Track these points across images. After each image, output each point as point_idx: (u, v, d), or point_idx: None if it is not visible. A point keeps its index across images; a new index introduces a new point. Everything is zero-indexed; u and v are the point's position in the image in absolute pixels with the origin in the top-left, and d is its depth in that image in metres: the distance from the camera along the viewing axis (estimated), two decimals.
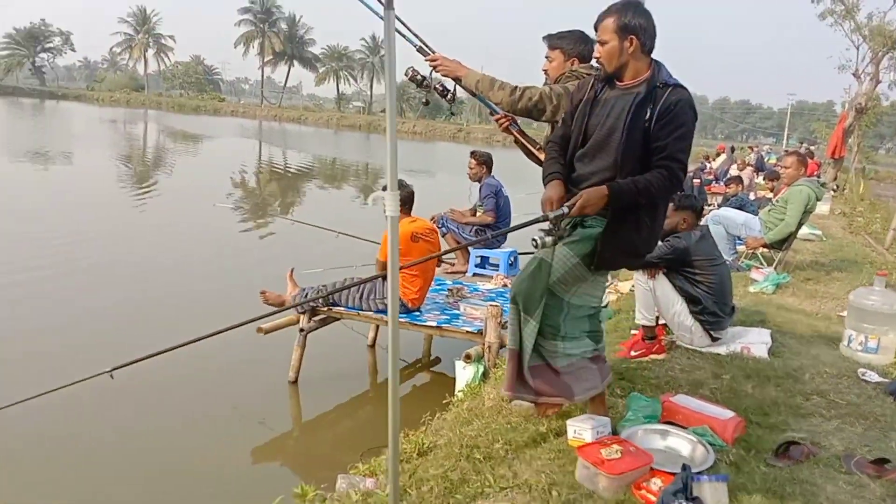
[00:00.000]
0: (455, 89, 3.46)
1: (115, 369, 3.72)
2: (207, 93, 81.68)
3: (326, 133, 52.52)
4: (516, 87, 3.31)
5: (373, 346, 6.48)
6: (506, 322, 4.12)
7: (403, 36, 3.15)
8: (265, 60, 78.73)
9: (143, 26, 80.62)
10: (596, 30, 2.83)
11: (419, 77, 3.36)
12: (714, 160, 19.21)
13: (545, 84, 3.50)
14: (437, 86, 3.45)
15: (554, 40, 3.49)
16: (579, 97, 2.97)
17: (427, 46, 3.35)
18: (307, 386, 5.47)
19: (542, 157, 3.41)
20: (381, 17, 3.14)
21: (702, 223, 4.64)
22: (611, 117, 2.80)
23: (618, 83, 2.86)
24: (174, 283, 8.34)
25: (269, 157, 29.97)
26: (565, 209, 2.67)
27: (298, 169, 25.51)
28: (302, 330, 5.39)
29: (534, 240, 2.68)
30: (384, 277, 5.29)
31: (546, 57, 3.53)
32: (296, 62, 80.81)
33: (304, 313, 5.38)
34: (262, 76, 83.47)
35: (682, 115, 2.73)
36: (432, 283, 5.61)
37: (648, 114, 2.72)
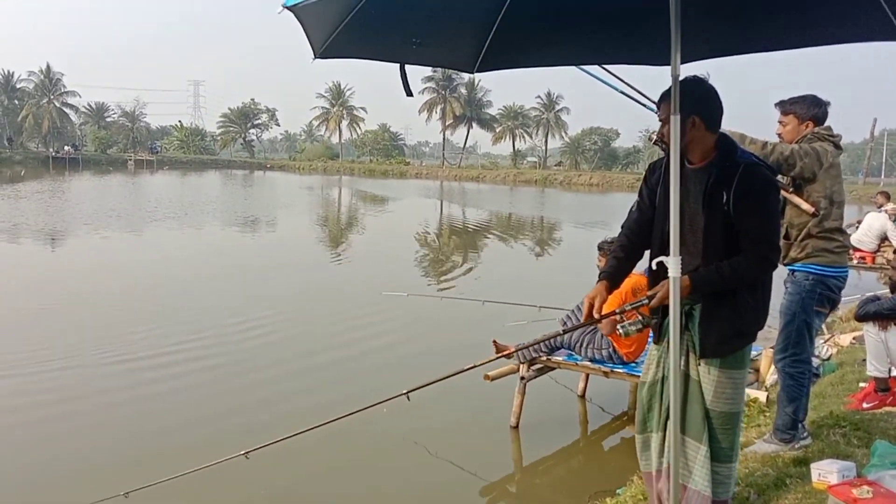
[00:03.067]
0: None
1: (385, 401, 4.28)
2: (394, 157, 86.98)
3: (503, 189, 53.79)
4: (766, 142, 3.62)
5: (583, 396, 6.75)
6: None
7: (644, 105, 3.40)
8: (446, 124, 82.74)
9: (339, 99, 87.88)
10: (657, 109, 2.80)
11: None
12: None
13: None
14: None
15: (787, 106, 3.81)
16: (654, 179, 2.91)
17: None
18: (526, 431, 5.86)
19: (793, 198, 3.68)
20: (621, 92, 3.58)
21: None
22: (689, 201, 2.70)
23: (688, 164, 2.75)
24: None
25: (450, 214, 31.41)
26: (645, 300, 2.69)
27: (478, 224, 26.45)
28: (522, 378, 5.82)
29: (618, 329, 2.85)
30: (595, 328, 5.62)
31: (779, 122, 3.83)
32: (474, 124, 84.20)
33: (524, 363, 5.82)
34: (444, 139, 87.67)
35: (763, 194, 2.66)
36: (649, 334, 5.82)
37: (725, 196, 2.63)
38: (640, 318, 2.85)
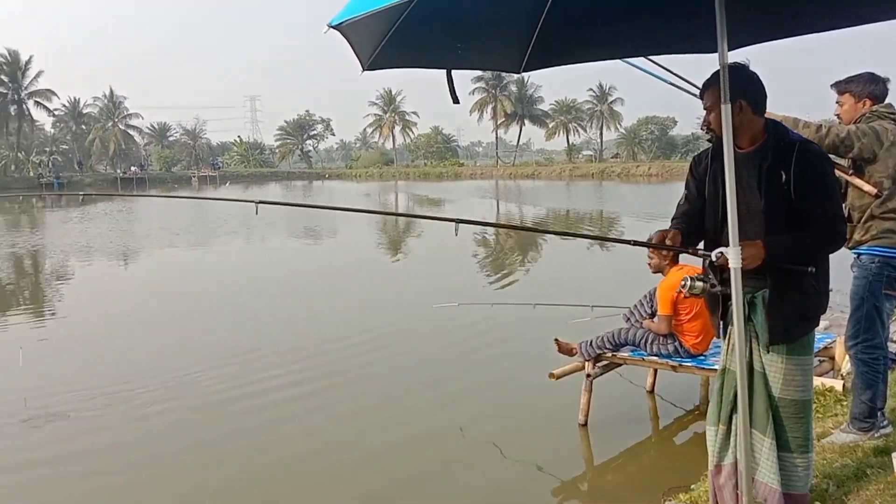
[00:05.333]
0: None
1: None
2: (448, 159, 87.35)
3: (559, 185, 53.40)
4: (821, 125, 3.52)
5: (651, 391, 6.65)
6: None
7: (690, 93, 3.35)
8: (498, 123, 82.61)
9: (391, 106, 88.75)
10: (701, 97, 2.80)
11: None
12: None
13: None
14: None
15: (842, 85, 3.71)
16: (701, 170, 2.92)
17: None
18: (595, 429, 5.80)
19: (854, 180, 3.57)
20: (668, 82, 3.53)
21: None
22: (743, 186, 2.67)
23: (738, 149, 2.69)
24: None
25: (506, 212, 31.33)
26: (714, 255, 2.63)
27: (534, 223, 26.29)
28: (588, 375, 5.77)
29: (682, 284, 2.74)
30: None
31: (837, 102, 3.72)
32: (526, 121, 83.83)
33: (589, 360, 5.78)
34: (496, 138, 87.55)
35: (822, 168, 2.70)
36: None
37: (784, 176, 2.65)
38: (706, 277, 2.70)
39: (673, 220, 3.01)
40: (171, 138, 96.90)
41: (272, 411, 6.55)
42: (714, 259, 2.65)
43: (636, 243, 2.89)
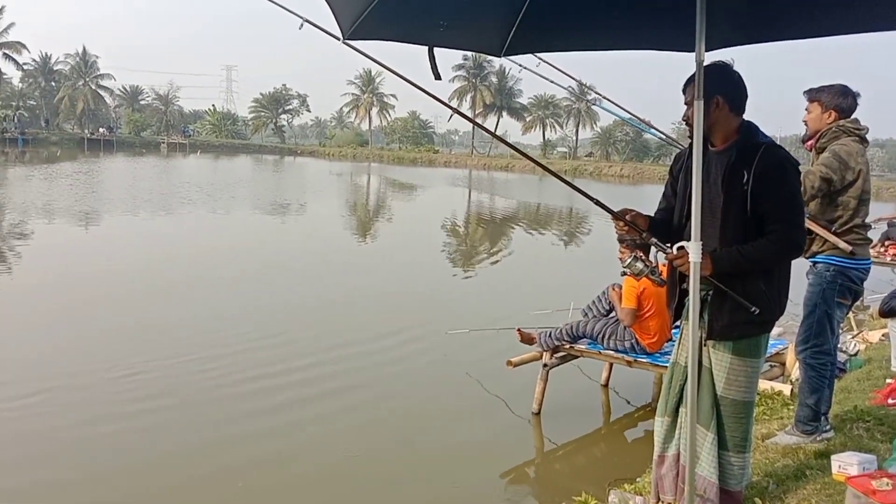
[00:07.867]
0: None
1: None
2: (423, 145, 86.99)
3: (532, 179, 53.47)
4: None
5: (606, 385, 6.75)
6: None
7: (637, 126, 3.45)
8: (476, 112, 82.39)
9: (369, 86, 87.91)
10: (683, 92, 2.77)
11: None
12: None
13: (805, 134, 3.76)
14: None
15: (813, 93, 3.75)
16: (678, 168, 2.94)
17: None
18: (548, 418, 5.89)
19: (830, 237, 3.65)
20: (629, 121, 3.57)
21: None
22: (710, 184, 2.68)
23: (711, 147, 2.75)
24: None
25: (478, 201, 31.37)
26: (671, 249, 2.65)
27: (504, 215, 26.35)
28: (545, 365, 5.85)
29: (624, 263, 2.77)
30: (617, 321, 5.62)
31: (805, 109, 3.78)
32: (504, 112, 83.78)
33: (548, 350, 5.85)
34: (473, 128, 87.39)
35: (784, 172, 2.65)
36: (671, 329, 5.77)
37: (745, 176, 2.62)
38: (648, 265, 2.76)
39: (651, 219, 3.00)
40: (142, 102, 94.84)
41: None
42: (667, 252, 2.68)
43: (598, 203, 2.81)
